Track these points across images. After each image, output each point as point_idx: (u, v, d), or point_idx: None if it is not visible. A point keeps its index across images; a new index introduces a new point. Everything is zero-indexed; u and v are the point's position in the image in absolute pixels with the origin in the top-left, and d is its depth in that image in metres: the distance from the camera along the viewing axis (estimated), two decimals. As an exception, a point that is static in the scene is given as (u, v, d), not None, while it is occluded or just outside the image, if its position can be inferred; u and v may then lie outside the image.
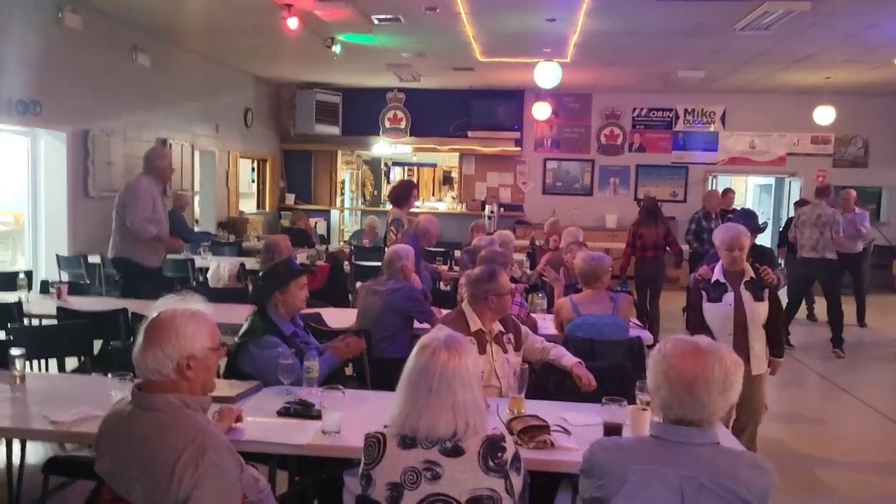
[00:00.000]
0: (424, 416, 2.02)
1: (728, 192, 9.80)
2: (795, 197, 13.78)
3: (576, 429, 2.90)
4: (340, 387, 2.91)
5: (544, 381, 3.68)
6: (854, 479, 4.56)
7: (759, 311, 4.19)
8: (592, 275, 4.63)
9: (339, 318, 5.02)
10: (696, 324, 4.35)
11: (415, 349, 2.16)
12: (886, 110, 13.26)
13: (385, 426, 2.13)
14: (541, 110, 12.29)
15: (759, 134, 13.63)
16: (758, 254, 4.80)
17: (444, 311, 4.41)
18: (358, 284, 6.87)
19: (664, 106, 13.71)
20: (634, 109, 13.78)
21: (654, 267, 8.10)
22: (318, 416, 2.90)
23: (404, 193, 7.08)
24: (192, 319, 2.13)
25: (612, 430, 2.72)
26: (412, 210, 7.97)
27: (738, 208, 9.67)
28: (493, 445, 2.05)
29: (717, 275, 4.31)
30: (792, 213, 13.10)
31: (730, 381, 1.88)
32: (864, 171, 13.44)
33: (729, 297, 4.23)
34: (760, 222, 8.92)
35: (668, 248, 8.14)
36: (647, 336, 4.71)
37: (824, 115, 11.96)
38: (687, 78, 11.68)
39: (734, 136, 13.70)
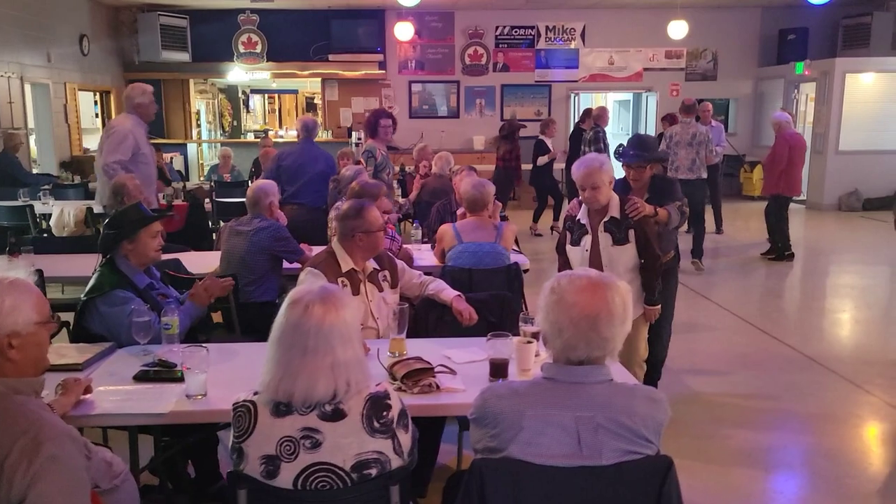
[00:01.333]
0: (300, 379, 1.82)
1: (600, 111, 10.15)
2: (653, 112, 14.24)
3: (461, 367, 2.80)
4: (204, 345, 2.65)
5: (424, 317, 3.55)
6: (723, 384, 4.79)
7: (618, 257, 3.66)
8: (479, 202, 4.50)
9: (201, 262, 4.66)
10: (561, 266, 3.92)
11: (284, 304, 1.93)
12: (734, 23, 13.79)
13: (255, 392, 1.92)
14: (403, 31, 11.88)
15: (618, 50, 13.86)
16: (658, 185, 4.11)
17: (316, 250, 4.17)
18: (221, 224, 6.45)
19: (526, 23, 13.63)
20: (497, 28, 13.62)
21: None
22: (180, 379, 2.63)
23: (373, 123, 6.64)
24: (11, 290, 1.81)
25: (498, 366, 2.63)
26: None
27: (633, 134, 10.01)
28: (377, 404, 1.88)
29: (581, 213, 3.79)
30: (654, 129, 13.65)
31: (628, 310, 1.82)
32: (714, 84, 14.01)
33: (586, 240, 3.73)
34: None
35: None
36: (523, 261, 4.67)
37: (678, 29, 12.23)
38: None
39: (594, 53, 13.86)
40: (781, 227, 8.37)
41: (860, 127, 12.42)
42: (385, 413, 1.88)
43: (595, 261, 3.69)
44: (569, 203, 4.12)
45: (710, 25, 13.46)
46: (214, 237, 7.04)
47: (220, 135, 14.95)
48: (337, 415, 1.84)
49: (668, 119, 10.36)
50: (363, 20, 13.05)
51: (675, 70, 14.04)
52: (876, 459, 3.86)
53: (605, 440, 1.72)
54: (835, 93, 12.21)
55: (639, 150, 4.11)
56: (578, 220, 3.79)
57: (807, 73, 12.79)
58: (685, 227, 9.80)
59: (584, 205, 3.77)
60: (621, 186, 4.08)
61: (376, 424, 1.86)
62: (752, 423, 4.20)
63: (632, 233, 3.66)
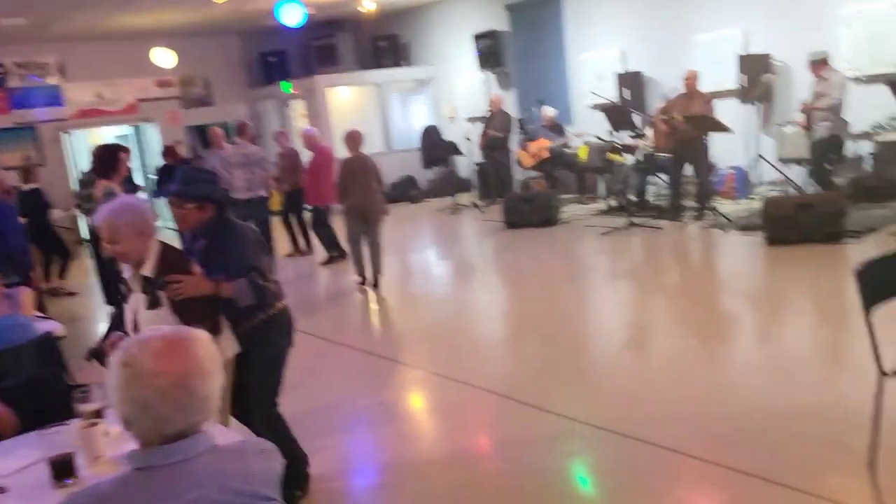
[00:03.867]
0: None
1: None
2: (157, 143, 13.78)
3: (12, 480, 2.31)
4: None
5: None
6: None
7: (154, 323, 2.76)
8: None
9: None
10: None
11: None
12: (219, 48, 14.10)
13: None
14: None
15: (106, 83, 13.06)
16: (218, 235, 3.20)
17: None
18: None
19: (-11, 60, 11.95)
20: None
21: None
22: None
23: None
24: None
25: (61, 465, 2.23)
26: None
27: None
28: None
29: (126, 267, 3.14)
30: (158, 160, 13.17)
31: (218, 361, 1.63)
32: (212, 109, 14.16)
33: (134, 299, 3.10)
34: None
35: None
36: (55, 327, 4.09)
37: (164, 57, 12.04)
38: (8, 26, 10.32)
39: (79, 88, 12.82)
40: (328, 234, 8.82)
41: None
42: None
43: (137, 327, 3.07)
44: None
45: (196, 52, 13.52)
46: None
47: None
48: None
49: (169, 153, 10.10)
50: None
51: (170, 98, 13.79)
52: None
53: (226, 515, 1.55)
54: (320, 107, 13.38)
55: (180, 184, 3.23)
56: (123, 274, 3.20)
57: (294, 91, 13.75)
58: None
59: None
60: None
61: None
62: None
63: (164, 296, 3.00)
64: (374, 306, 7.27)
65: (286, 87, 13.77)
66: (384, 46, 14.53)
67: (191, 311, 2.93)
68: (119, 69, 13.07)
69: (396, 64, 14.54)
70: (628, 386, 4.43)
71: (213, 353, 1.62)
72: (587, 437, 3.82)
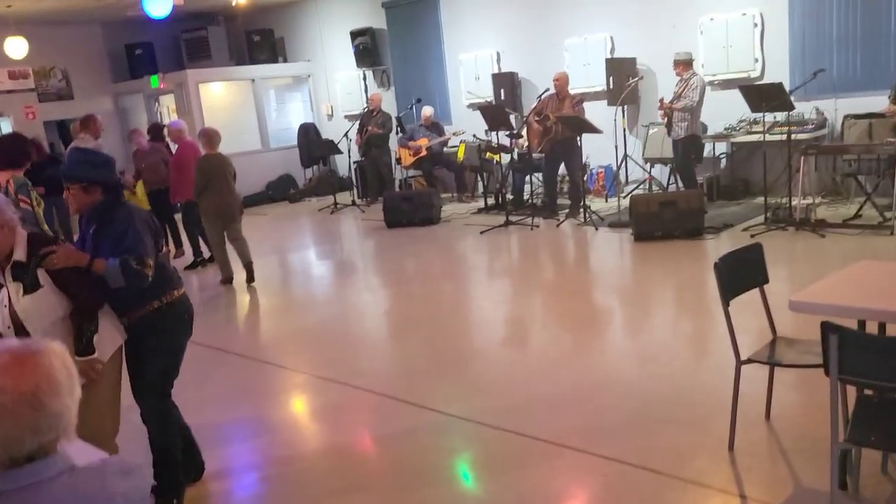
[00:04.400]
0: None
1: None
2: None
3: None
4: None
5: None
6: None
7: (34, 308, 2.90)
8: None
9: None
10: None
11: None
12: (78, 39, 13.29)
13: None
14: None
15: (-52, 73, 12.02)
16: (107, 219, 3.12)
17: None
18: None
19: None
20: None
21: None
22: None
23: None
24: None
25: None
26: None
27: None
28: None
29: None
30: None
31: (73, 375, 1.51)
32: (72, 103, 13.32)
33: (3, 293, 2.95)
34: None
35: None
36: None
37: (16, 47, 11.24)
38: None
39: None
40: (199, 231, 8.41)
41: (224, 131, 13.40)
42: None
43: (15, 318, 2.93)
44: None
45: (53, 42, 12.69)
46: None
47: None
48: None
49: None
50: None
51: (25, 91, 12.87)
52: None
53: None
54: (193, 102, 12.87)
55: (66, 167, 3.24)
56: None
57: (163, 85, 13.17)
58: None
59: None
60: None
61: None
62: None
63: (45, 274, 2.92)
64: (252, 309, 7.08)
65: (154, 81, 13.16)
66: (258, 41, 14.17)
67: (71, 284, 2.94)
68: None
69: (272, 59, 14.21)
70: (507, 381, 4.53)
71: (67, 366, 1.51)
72: (468, 432, 3.87)
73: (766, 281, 3.37)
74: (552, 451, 3.55)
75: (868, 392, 2.53)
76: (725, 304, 3.14)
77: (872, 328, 2.82)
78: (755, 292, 3.34)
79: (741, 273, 3.28)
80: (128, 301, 3.14)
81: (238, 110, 13.64)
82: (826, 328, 2.29)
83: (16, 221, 2.92)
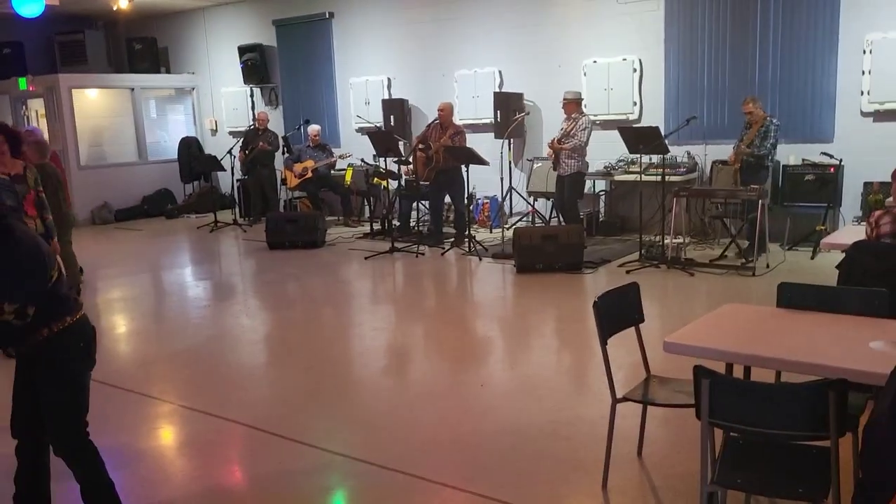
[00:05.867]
0: None
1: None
2: None
3: None
4: None
5: None
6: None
7: None
8: None
9: None
10: None
11: None
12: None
13: None
14: None
15: None
16: None
17: None
18: None
19: None
20: None
21: None
22: None
23: None
24: None
25: None
26: None
27: None
28: None
29: None
30: None
31: None
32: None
33: None
34: None
35: None
36: None
37: None
38: None
39: None
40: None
41: (98, 140, 12.74)
42: None
43: None
44: None
45: None
46: None
47: None
48: None
49: None
50: None
51: None
52: (173, 463, 4.04)
53: None
54: (64, 108, 12.14)
55: None
56: None
57: (31, 88, 12.37)
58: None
59: None
60: None
61: None
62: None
63: None
64: (114, 331, 6.66)
65: (23, 83, 12.33)
66: (140, 49, 13.57)
67: None
68: None
69: (154, 69, 13.64)
70: (385, 413, 4.44)
71: None
72: (344, 469, 3.75)
73: (642, 320, 3.47)
74: (428, 488, 3.49)
75: (734, 434, 2.62)
76: (603, 342, 3.20)
77: (739, 371, 2.95)
78: (631, 328, 3.43)
79: (618, 312, 3.36)
80: (13, 330, 2.80)
81: (115, 119, 12.98)
82: (699, 373, 2.35)
83: None
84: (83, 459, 3.04)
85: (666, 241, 7.75)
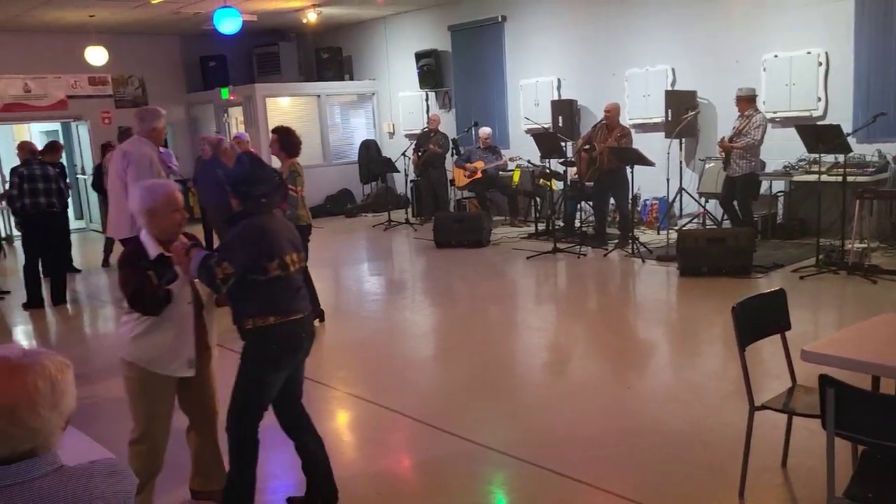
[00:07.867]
0: None
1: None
2: (87, 142, 13.49)
3: None
4: None
5: None
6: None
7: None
8: None
9: None
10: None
11: None
12: (156, 49, 13.90)
13: None
14: None
15: (34, 77, 12.73)
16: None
17: None
18: None
19: None
20: None
21: None
22: None
23: None
24: None
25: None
26: None
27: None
28: None
29: (153, 247, 3.14)
30: (91, 159, 12.90)
31: (60, 391, 1.57)
32: (147, 111, 13.91)
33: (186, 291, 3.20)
34: None
35: None
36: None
37: (96, 55, 11.83)
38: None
39: (5, 80, 12.47)
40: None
41: (286, 145, 13.79)
42: None
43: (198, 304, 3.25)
44: None
45: (131, 52, 13.32)
46: None
47: None
48: None
49: (108, 146, 10.04)
50: None
51: (102, 97, 13.53)
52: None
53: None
54: (259, 115, 13.30)
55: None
56: (159, 255, 3.11)
57: (232, 97, 13.64)
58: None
59: (146, 236, 3.18)
60: None
61: None
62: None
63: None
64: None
65: (225, 92, 13.65)
66: (327, 58, 14.55)
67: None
68: (49, 63, 12.77)
69: (339, 77, 14.57)
70: (536, 410, 4.55)
71: (52, 382, 1.57)
72: (494, 462, 3.89)
73: (788, 327, 3.34)
74: (568, 485, 3.54)
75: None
76: (741, 348, 3.13)
77: (889, 385, 2.77)
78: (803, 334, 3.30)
79: (762, 318, 3.25)
80: (235, 310, 3.15)
81: (303, 124, 14.00)
82: (824, 382, 2.27)
83: None
84: (235, 449, 3.20)
85: (847, 246, 7.21)
